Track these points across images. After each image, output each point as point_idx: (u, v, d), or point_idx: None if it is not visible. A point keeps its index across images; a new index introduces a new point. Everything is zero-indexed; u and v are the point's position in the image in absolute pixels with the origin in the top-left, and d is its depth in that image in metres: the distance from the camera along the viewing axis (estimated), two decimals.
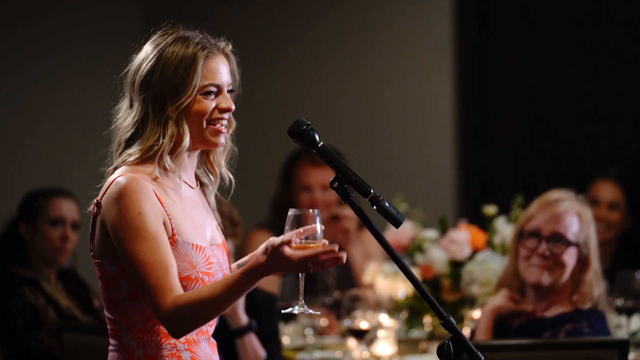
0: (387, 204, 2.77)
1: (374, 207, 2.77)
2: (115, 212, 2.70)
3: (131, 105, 2.84)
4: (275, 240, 2.66)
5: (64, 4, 6.87)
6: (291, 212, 2.79)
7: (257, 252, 2.71)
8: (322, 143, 2.80)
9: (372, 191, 2.77)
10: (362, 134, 7.26)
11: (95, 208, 2.78)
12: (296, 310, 2.82)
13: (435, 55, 7.18)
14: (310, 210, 2.78)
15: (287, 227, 2.78)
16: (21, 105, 6.60)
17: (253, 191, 6.67)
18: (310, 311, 2.81)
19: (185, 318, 2.65)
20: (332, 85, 7.34)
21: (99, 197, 2.77)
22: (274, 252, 2.65)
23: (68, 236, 5.10)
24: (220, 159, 2.95)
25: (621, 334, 4.69)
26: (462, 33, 7.16)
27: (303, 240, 2.72)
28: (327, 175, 5.73)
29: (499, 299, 4.13)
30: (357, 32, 7.31)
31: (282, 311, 2.94)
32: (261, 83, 7.35)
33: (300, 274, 2.81)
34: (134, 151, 2.80)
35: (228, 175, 2.96)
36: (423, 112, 7.22)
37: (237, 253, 4.46)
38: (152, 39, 2.86)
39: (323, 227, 2.80)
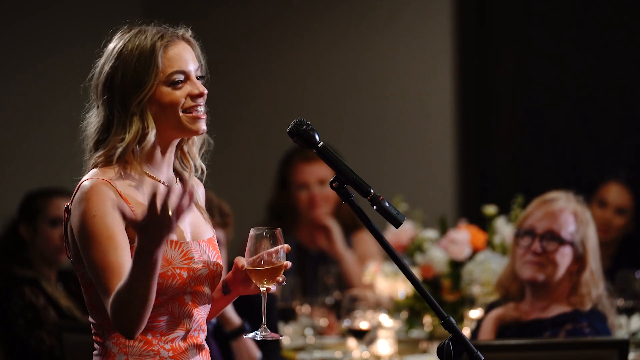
0: (387, 204, 2.77)
1: (374, 207, 2.77)
2: (76, 217, 2.69)
3: (97, 110, 2.83)
4: None
5: (64, 4, 6.87)
6: (253, 231, 2.79)
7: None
8: (322, 143, 2.80)
9: (372, 191, 2.77)
10: (362, 134, 7.26)
11: (66, 214, 2.76)
12: (258, 336, 2.81)
13: (435, 54, 7.18)
14: (275, 230, 2.79)
15: (249, 246, 2.79)
16: (21, 106, 6.60)
17: (253, 191, 6.67)
18: (272, 336, 2.81)
19: (119, 313, 2.58)
20: (332, 85, 7.34)
21: (68, 203, 2.75)
22: (132, 223, 2.56)
23: None
24: (195, 151, 2.90)
25: (621, 334, 4.69)
26: (462, 33, 7.16)
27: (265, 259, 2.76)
28: (322, 169, 5.75)
29: (504, 308, 4.14)
30: (357, 32, 7.31)
31: (244, 336, 2.95)
32: (260, 82, 7.35)
33: (262, 296, 2.80)
34: (100, 154, 2.77)
35: (202, 166, 2.91)
36: (423, 112, 7.22)
37: (233, 250, 4.46)
38: (113, 40, 2.83)
39: (288, 246, 2.80)
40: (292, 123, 2.80)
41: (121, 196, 2.71)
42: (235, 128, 7.02)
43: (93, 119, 2.84)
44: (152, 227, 2.49)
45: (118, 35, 2.84)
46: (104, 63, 2.81)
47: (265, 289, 2.79)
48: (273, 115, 7.27)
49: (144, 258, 2.51)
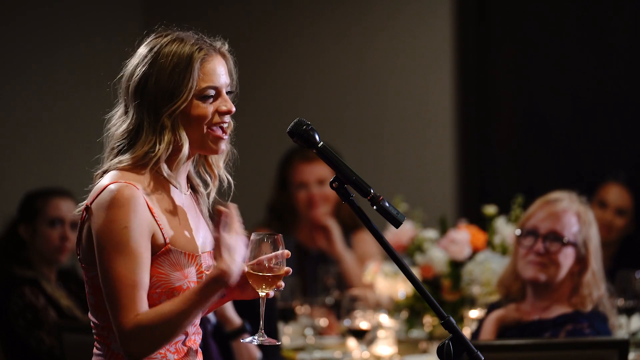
0: (387, 204, 2.77)
1: (374, 207, 2.77)
2: (102, 220, 2.64)
3: (126, 112, 2.78)
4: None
5: (65, 4, 6.86)
6: (253, 235, 2.77)
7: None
8: (322, 143, 2.79)
9: (372, 191, 2.77)
10: (362, 134, 7.26)
11: (85, 213, 2.71)
12: (255, 341, 2.80)
13: (435, 54, 7.18)
14: (276, 235, 2.77)
15: (249, 250, 2.77)
16: (21, 106, 6.60)
17: (253, 192, 6.66)
18: (269, 341, 2.80)
19: (145, 336, 2.60)
20: (331, 85, 7.34)
21: (88, 202, 2.70)
22: (218, 243, 2.65)
23: (67, 236, 5.10)
24: (219, 161, 2.90)
25: (621, 334, 4.69)
26: (462, 32, 7.16)
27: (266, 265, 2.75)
28: (321, 169, 5.75)
29: (505, 309, 4.14)
30: (357, 31, 7.31)
31: (241, 340, 2.94)
32: (260, 82, 7.35)
33: (261, 301, 2.78)
34: (126, 158, 2.73)
35: (227, 177, 2.92)
36: (423, 112, 7.22)
37: None
38: (146, 41, 2.79)
39: (288, 252, 2.79)
40: (292, 123, 2.80)
41: (148, 205, 2.69)
42: (235, 128, 7.00)
43: (120, 119, 2.79)
44: (235, 243, 2.64)
45: (153, 37, 2.79)
46: (137, 65, 2.76)
47: (264, 294, 2.78)
48: (273, 115, 7.27)
49: (217, 283, 2.61)
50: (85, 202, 2.73)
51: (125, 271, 2.62)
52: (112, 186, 2.67)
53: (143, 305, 2.63)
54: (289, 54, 7.40)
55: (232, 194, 2.94)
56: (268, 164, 6.45)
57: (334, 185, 2.79)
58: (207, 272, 2.77)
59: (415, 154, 7.21)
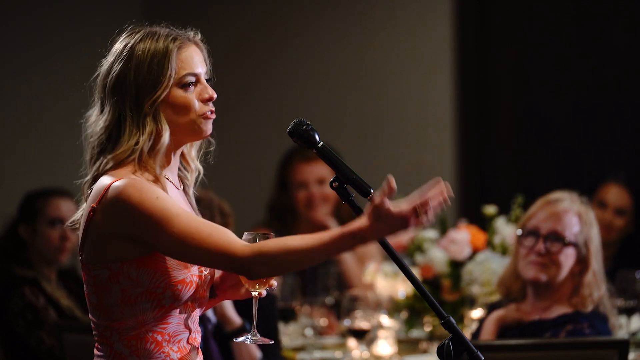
0: None
1: None
2: (129, 212, 2.63)
3: (102, 111, 2.79)
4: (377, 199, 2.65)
5: (65, 4, 6.86)
6: (246, 235, 2.76)
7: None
8: (322, 143, 2.79)
9: (372, 191, 2.77)
10: (362, 134, 7.26)
11: (92, 213, 2.70)
12: (248, 340, 2.80)
13: (435, 54, 7.18)
14: (268, 235, 2.75)
15: None
16: (21, 105, 6.60)
17: (253, 192, 6.67)
18: (262, 340, 2.79)
19: (267, 262, 2.59)
20: (331, 85, 7.34)
21: (94, 204, 2.69)
22: (377, 210, 2.64)
23: (67, 236, 5.10)
24: (194, 153, 2.89)
25: (621, 334, 4.69)
26: (462, 32, 7.16)
27: None
28: (321, 169, 5.75)
29: (505, 309, 4.14)
30: (357, 31, 7.31)
31: (234, 339, 2.95)
32: (260, 82, 7.35)
33: (253, 301, 2.78)
34: (110, 157, 2.73)
35: (198, 167, 2.90)
36: (423, 112, 7.22)
37: None
38: (119, 39, 2.81)
39: None
40: (292, 123, 2.79)
41: None
42: (235, 128, 7.01)
43: (97, 118, 2.80)
44: (398, 220, 2.66)
45: (125, 35, 2.81)
46: (113, 62, 2.78)
47: (257, 293, 2.78)
48: (273, 115, 7.26)
49: (355, 241, 2.59)
50: (89, 205, 2.71)
51: (191, 222, 2.63)
52: (115, 184, 2.67)
53: (234, 234, 2.64)
54: (289, 54, 7.40)
55: (198, 181, 2.93)
56: (268, 164, 6.44)
57: (334, 185, 2.79)
58: (205, 270, 2.77)
59: (415, 154, 7.21)
